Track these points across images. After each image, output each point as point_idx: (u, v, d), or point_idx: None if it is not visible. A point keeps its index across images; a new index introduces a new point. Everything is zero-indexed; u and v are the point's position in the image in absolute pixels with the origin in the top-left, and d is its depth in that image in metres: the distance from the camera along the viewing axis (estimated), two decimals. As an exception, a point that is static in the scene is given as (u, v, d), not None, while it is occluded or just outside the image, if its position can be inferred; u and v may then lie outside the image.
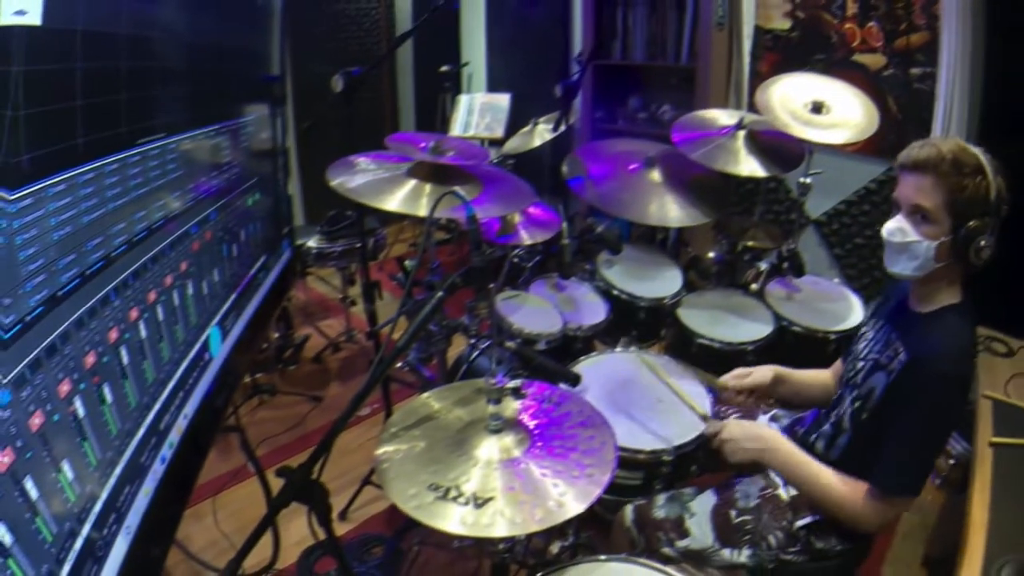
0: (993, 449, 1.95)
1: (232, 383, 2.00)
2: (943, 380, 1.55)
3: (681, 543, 1.85)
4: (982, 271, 1.60)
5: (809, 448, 1.87)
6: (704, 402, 2.14)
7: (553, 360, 2.15)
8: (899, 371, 1.63)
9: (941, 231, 1.57)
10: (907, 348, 1.64)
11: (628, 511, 1.97)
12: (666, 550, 1.85)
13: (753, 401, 2.12)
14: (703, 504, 1.91)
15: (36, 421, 1.03)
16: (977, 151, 1.56)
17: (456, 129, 5.14)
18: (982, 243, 1.54)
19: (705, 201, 2.81)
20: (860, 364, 1.81)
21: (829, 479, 1.70)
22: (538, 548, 2.47)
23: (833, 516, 1.72)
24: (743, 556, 1.81)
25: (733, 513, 1.86)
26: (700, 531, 1.85)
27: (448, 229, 5.99)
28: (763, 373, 2.09)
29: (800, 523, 1.79)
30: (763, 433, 1.85)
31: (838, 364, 2.07)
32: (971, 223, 1.53)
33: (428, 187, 2.11)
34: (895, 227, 1.63)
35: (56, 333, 1.09)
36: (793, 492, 1.83)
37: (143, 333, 1.42)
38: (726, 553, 1.82)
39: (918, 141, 1.62)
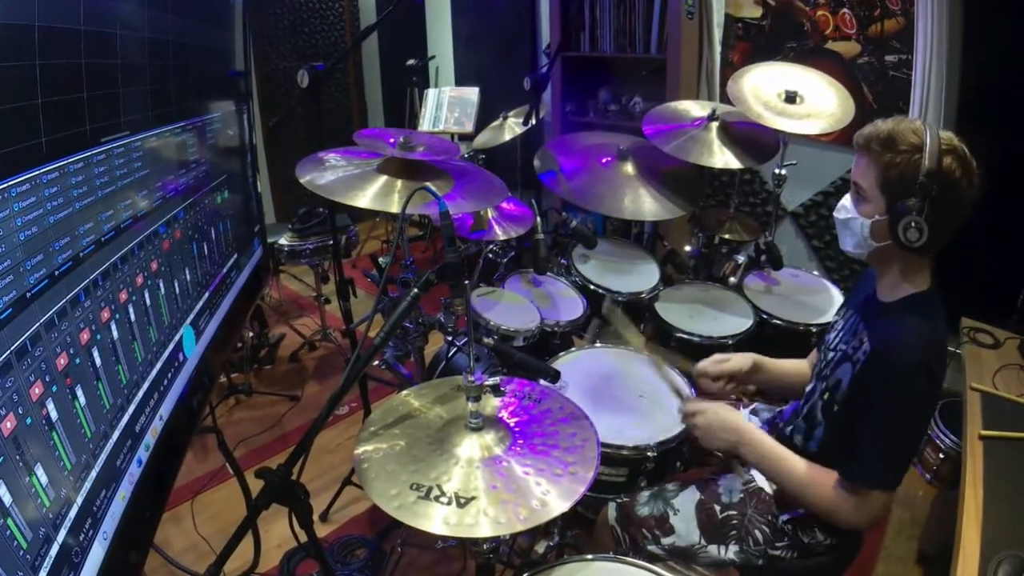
0: (983, 442, 1.94)
1: (207, 383, 1.98)
2: (905, 369, 1.52)
3: (666, 540, 1.84)
4: (961, 258, 1.56)
5: (787, 441, 1.86)
6: (685, 386, 2.14)
7: (532, 356, 2.16)
8: (863, 362, 1.63)
9: (875, 209, 1.58)
10: (870, 338, 1.64)
11: (611, 509, 1.96)
12: (651, 548, 1.84)
13: (731, 388, 2.10)
14: (686, 500, 1.89)
15: (8, 425, 1.02)
16: (930, 132, 1.50)
17: (425, 124, 5.14)
18: (911, 224, 1.50)
19: (680, 194, 2.82)
20: (830, 355, 1.80)
21: (804, 472, 1.69)
22: (523, 548, 2.48)
23: (814, 510, 1.69)
24: (730, 552, 1.80)
25: (717, 509, 1.85)
26: (685, 528, 1.84)
27: (421, 225, 6.00)
28: (742, 360, 2.08)
29: (785, 517, 1.78)
30: (739, 425, 1.83)
31: (814, 354, 2.07)
32: (908, 201, 1.50)
33: (399, 183, 2.11)
34: (841, 204, 1.68)
35: (26, 335, 1.08)
36: (776, 486, 1.83)
37: (115, 334, 1.40)
38: (712, 550, 1.81)
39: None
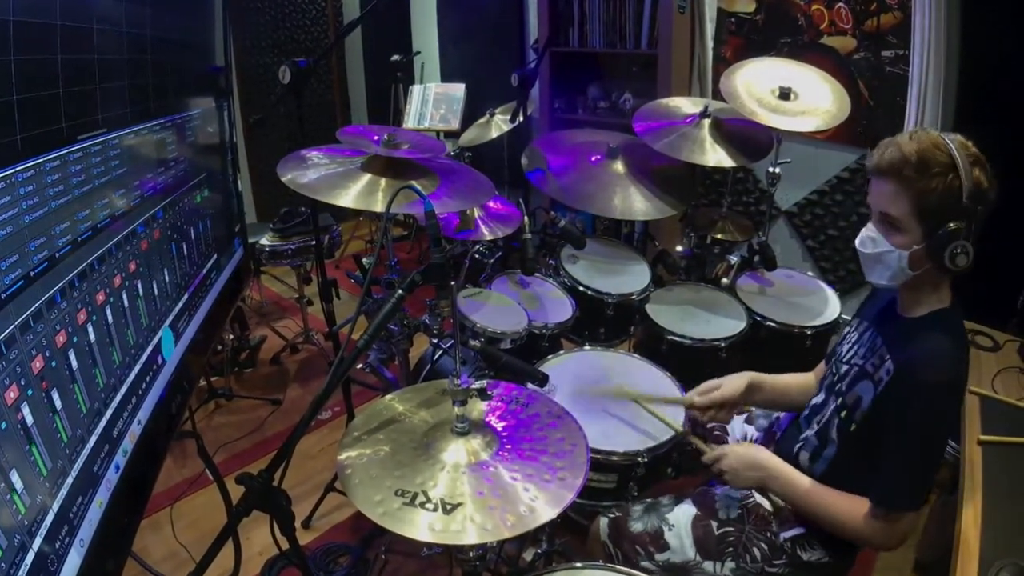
0: (982, 448, 1.93)
1: (187, 387, 1.98)
2: (934, 389, 1.50)
3: (660, 557, 1.83)
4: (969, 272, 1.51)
5: (794, 458, 1.84)
6: (678, 412, 2.11)
7: (519, 359, 2.16)
8: (887, 382, 1.60)
9: (912, 239, 1.52)
10: (893, 357, 1.60)
11: (603, 524, 1.94)
12: (645, 564, 1.83)
13: (725, 415, 2.05)
14: (682, 516, 1.88)
15: (-18, 430, 1.02)
16: (949, 142, 1.46)
17: (410, 121, 5.15)
18: (958, 249, 1.47)
19: (671, 193, 2.83)
20: (844, 368, 1.77)
21: (831, 500, 1.67)
22: (511, 555, 2.48)
23: (837, 535, 1.69)
24: (726, 569, 1.79)
25: (714, 525, 1.84)
26: (680, 544, 1.83)
27: (405, 225, 6.01)
28: (734, 384, 2.00)
29: (785, 535, 1.78)
30: (763, 461, 1.79)
31: (821, 366, 2.01)
32: (948, 226, 1.46)
33: (383, 182, 2.11)
34: (866, 236, 1.61)
35: (0, 337, 1.08)
36: (777, 502, 1.81)
37: (92, 336, 1.40)
38: (708, 567, 1.80)
39: (886, 139, 1.55)
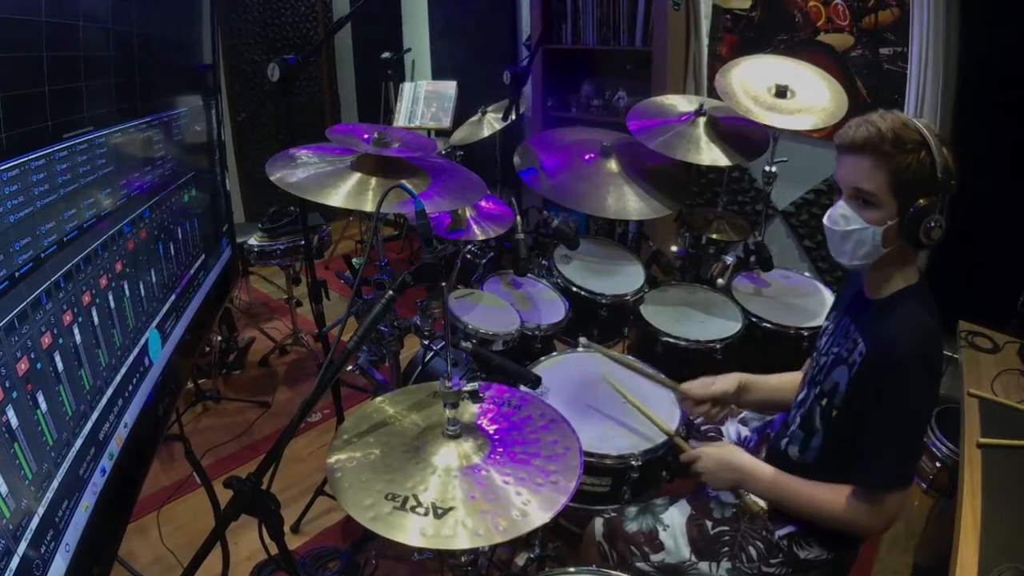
0: (982, 451, 1.92)
1: (174, 389, 1.98)
2: (905, 365, 1.53)
3: (655, 558, 1.83)
4: (957, 258, 1.54)
5: (782, 454, 1.87)
6: (673, 413, 2.13)
7: (511, 361, 2.16)
8: (859, 363, 1.63)
9: (887, 214, 1.55)
10: (864, 338, 1.64)
11: (598, 524, 1.95)
12: (640, 565, 1.83)
13: (717, 412, 2.08)
14: (676, 515, 1.89)
15: (-34, 433, 1.02)
16: (919, 125, 1.52)
17: (401, 119, 5.15)
18: (932, 223, 1.52)
19: (665, 192, 2.83)
20: (823, 360, 1.80)
21: (814, 492, 1.69)
22: (503, 560, 2.49)
23: (830, 527, 1.70)
24: (722, 569, 1.79)
25: (709, 524, 1.85)
26: (675, 544, 1.84)
27: (396, 225, 6.01)
28: (727, 382, 2.06)
29: (780, 532, 1.78)
30: (739, 462, 1.82)
31: (808, 364, 2.01)
32: (919, 202, 1.51)
33: (374, 181, 2.12)
34: (837, 214, 1.62)
35: (-15, 339, 1.08)
36: (759, 502, 1.80)
37: (78, 338, 1.40)
38: (704, 567, 1.80)
39: (856, 118, 1.59)
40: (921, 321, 1.57)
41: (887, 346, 1.56)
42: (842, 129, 1.60)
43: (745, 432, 2.18)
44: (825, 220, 1.65)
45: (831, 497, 1.65)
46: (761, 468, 1.81)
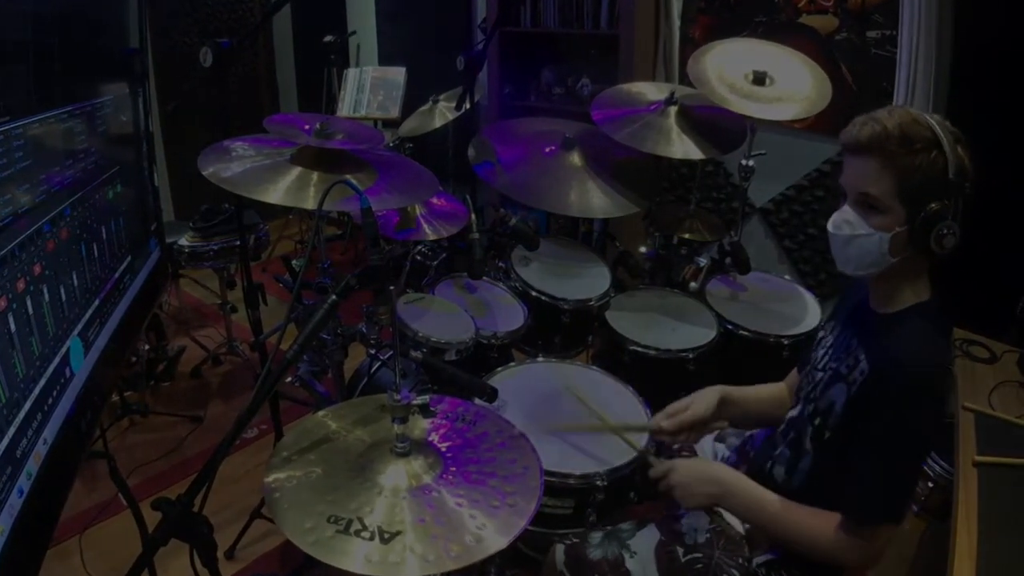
0: (978, 469, 1.88)
1: (98, 402, 1.97)
2: (910, 391, 1.50)
3: None
4: (951, 261, 1.52)
5: (767, 475, 1.84)
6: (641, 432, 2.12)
7: (465, 372, 2.17)
8: (860, 382, 1.60)
9: (894, 221, 1.52)
10: (868, 356, 1.61)
11: (559, 552, 1.90)
12: None
13: (695, 438, 2.05)
14: (645, 541, 1.84)
15: None
16: (932, 121, 1.49)
17: (345, 109, 5.15)
18: (944, 230, 1.48)
19: (633, 188, 2.84)
20: (819, 375, 1.77)
21: (799, 516, 1.66)
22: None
23: (810, 557, 1.67)
24: None
25: (680, 551, 1.80)
26: (643, 573, 1.79)
27: (339, 224, 5.99)
28: (705, 401, 2.00)
29: (759, 560, 1.76)
30: (718, 475, 1.80)
31: (793, 374, 2.03)
32: (930, 207, 1.48)
33: (315, 176, 2.11)
34: (841, 219, 1.60)
35: None
36: (748, 524, 1.81)
37: (-8, 347, 1.40)
38: None
39: (861, 116, 1.55)
40: (931, 345, 1.56)
41: (892, 368, 1.53)
42: (846, 128, 1.58)
43: (723, 451, 2.17)
44: (829, 225, 1.64)
45: (821, 525, 1.62)
46: (744, 482, 1.78)
